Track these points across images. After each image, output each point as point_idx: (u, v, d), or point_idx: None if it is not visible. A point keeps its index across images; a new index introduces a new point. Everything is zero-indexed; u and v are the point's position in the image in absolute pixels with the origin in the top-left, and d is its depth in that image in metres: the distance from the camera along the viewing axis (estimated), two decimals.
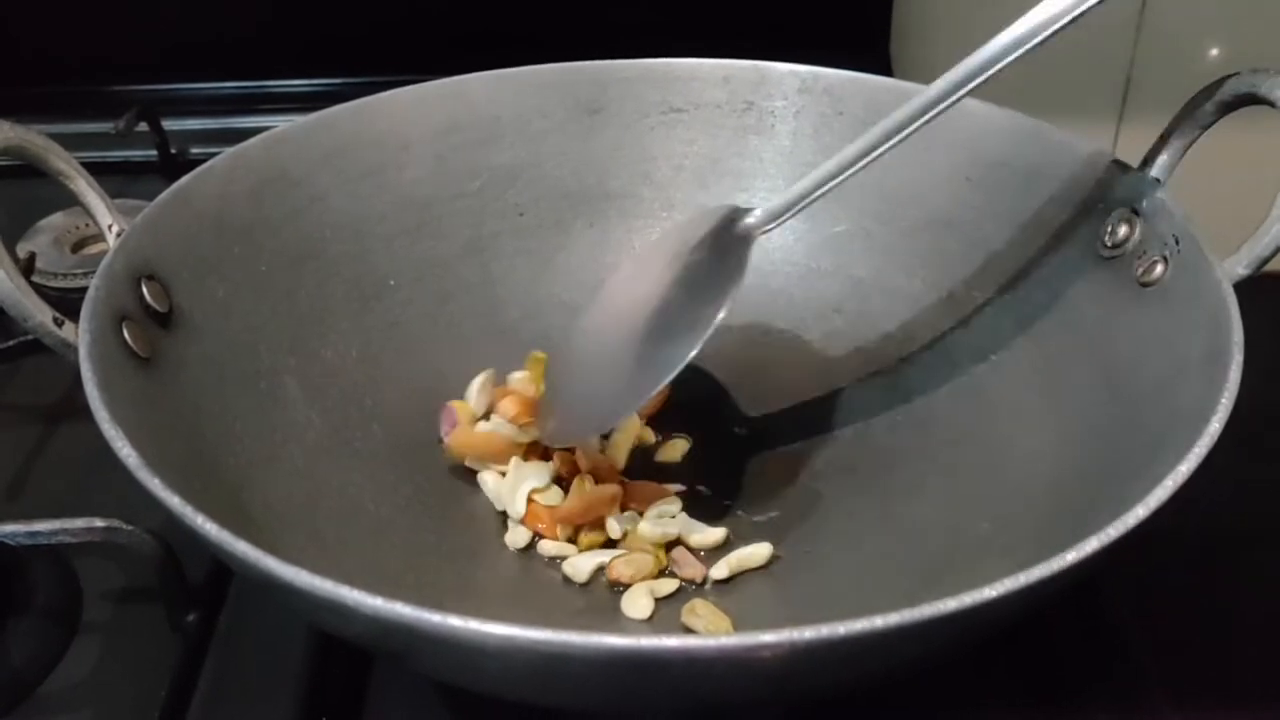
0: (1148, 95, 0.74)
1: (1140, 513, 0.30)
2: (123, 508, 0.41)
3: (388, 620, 0.27)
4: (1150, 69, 0.73)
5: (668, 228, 0.53)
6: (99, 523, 0.41)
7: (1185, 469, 0.32)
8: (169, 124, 0.71)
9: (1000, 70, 0.38)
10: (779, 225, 0.43)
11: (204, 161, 0.46)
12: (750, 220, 0.43)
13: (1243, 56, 0.73)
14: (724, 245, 0.43)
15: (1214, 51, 0.73)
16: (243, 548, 0.29)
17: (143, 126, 0.68)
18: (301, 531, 0.40)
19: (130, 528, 0.41)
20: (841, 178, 0.41)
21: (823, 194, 0.42)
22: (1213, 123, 0.43)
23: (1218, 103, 0.42)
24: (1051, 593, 0.30)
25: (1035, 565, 0.28)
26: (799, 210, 0.43)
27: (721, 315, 0.40)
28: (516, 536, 0.44)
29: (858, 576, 0.42)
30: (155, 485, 0.31)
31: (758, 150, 0.54)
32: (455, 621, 0.27)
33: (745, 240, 0.43)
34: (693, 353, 0.40)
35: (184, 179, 0.44)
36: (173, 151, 0.71)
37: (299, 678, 0.40)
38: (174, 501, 0.31)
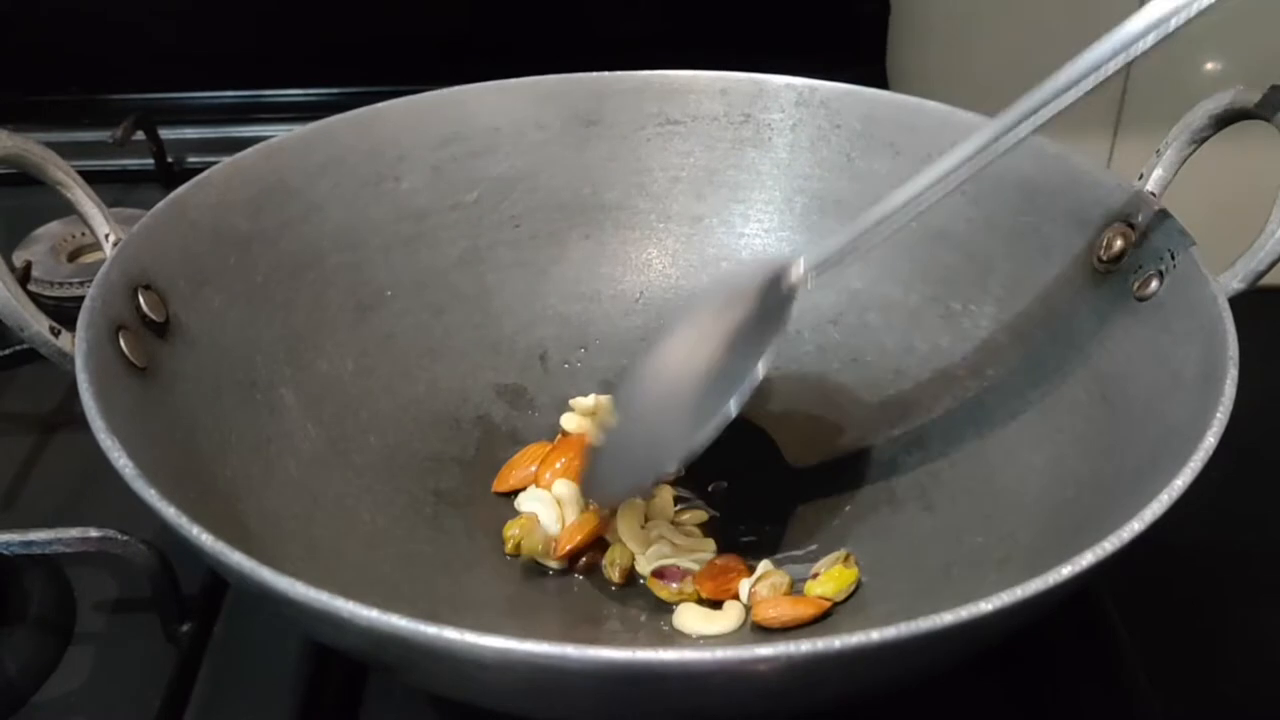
0: (1143, 109, 0.74)
1: (1135, 527, 0.30)
2: (118, 517, 0.41)
3: (383, 632, 0.27)
4: (1146, 83, 0.73)
5: (716, 278, 0.53)
6: (94, 532, 0.40)
7: (1180, 483, 0.32)
8: (166, 133, 0.71)
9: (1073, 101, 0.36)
10: (823, 274, 0.41)
11: (201, 170, 0.46)
12: (793, 277, 0.41)
13: (1238, 70, 0.74)
14: (769, 299, 0.42)
15: (1209, 65, 0.73)
16: (238, 559, 0.29)
17: (140, 135, 0.68)
18: (297, 542, 0.40)
19: (125, 537, 0.41)
20: (895, 223, 0.39)
21: (873, 241, 0.40)
22: (1208, 137, 0.43)
23: (1213, 117, 0.42)
24: (1047, 606, 0.30)
25: (1030, 579, 0.28)
26: (844, 260, 0.41)
27: (762, 370, 0.39)
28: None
29: None
30: (151, 496, 0.31)
31: (755, 163, 0.54)
32: (451, 634, 0.27)
33: (789, 295, 0.41)
34: (733, 409, 0.38)
35: (181, 188, 0.44)
36: (169, 160, 0.71)
37: (294, 689, 0.40)
38: (169, 512, 0.31)
